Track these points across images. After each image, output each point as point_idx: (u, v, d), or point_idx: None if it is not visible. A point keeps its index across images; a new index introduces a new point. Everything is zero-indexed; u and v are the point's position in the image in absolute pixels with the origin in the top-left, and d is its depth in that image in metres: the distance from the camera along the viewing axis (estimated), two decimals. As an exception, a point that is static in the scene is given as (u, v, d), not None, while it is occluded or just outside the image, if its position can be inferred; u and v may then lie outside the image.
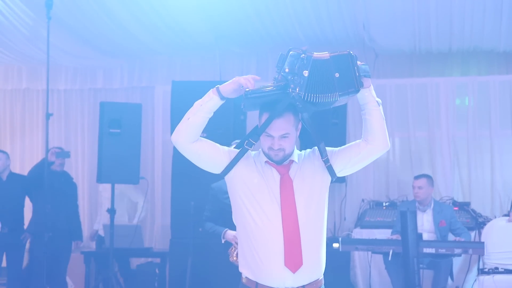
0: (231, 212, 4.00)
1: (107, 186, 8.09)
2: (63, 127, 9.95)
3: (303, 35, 8.15)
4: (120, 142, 7.24)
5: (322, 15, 7.64)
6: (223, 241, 5.43)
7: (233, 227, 4.69)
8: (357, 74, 3.19)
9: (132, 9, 7.47)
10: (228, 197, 3.45)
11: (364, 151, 3.34)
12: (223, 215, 5.22)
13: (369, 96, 3.29)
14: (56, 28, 7.33)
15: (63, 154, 7.80)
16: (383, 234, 7.56)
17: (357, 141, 3.39)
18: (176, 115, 3.35)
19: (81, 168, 9.74)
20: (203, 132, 3.34)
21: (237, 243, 4.66)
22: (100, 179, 7.37)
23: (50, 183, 7.04)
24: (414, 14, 7.55)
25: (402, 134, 9.00)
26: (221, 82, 3.33)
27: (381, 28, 8.01)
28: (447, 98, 8.80)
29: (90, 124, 9.80)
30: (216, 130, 5.83)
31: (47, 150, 7.01)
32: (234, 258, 5.13)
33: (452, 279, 7.36)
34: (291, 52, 3.17)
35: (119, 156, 7.20)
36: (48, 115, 6.83)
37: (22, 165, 9.78)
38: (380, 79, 8.92)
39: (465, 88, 8.91)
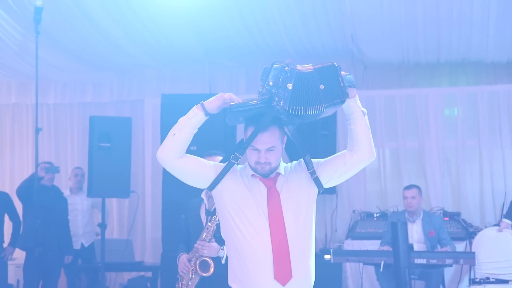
0: (201, 231, 4.07)
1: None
2: (53, 142, 9.93)
3: (292, 48, 8.18)
4: (110, 156, 7.23)
5: (311, 28, 7.68)
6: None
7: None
8: (341, 84, 3.19)
9: (121, 23, 7.48)
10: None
11: (350, 161, 3.34)
12: (196, 233, 4.90)
13: (354, 106, 3.29)
14: (45, 43, 7.33)
15: (53, 169, 7.78)
16: (375, 245, 7.56)
17: (343, 151, 3.39)
18: (166, 128, 3.34)
19: (68, 181, 9.71)
20: (192, 145, 3.34)
21: (183, 272, 4.78)
22: (91, 193, 7.35)
23: (39, 198, 7.02)
24: (402, 26, 7.59)
25: (391, 145, 9.03)
26: (210, 95, 3.35)
27: (369, 40, 8.05)
28: (436, 109, 8.84)
29: (80, 138, 9.78)
30: (205, 142, 5.85)
31: (37, 165, 6.99)
32: (183, 283, 4.82)
33: (444, 287, 7.36)
34: (274, 66, 3.17)
35: (110, 170, 7.19)
36: (37, 130, 6.81)
37: (11, 180, 9.75)
38: (369, 90, 8.97)
39: (453, 99, 8.96)
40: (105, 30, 7.62)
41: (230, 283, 3.40)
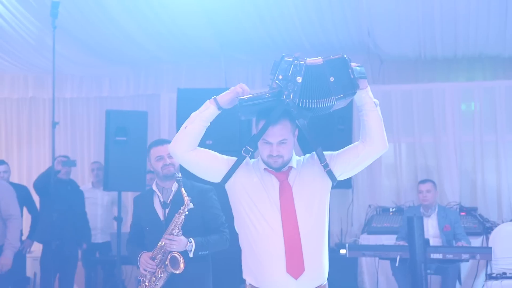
0: (158, 226, 4.04)
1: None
2: (69, 136, 9.98)
3: (308, 43, 8.16)
4: (127, 150, 7.25)
5: (327, 22, 7.65)
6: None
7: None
8: (352, 76, 3.19)
9: (137, 18, 7.50)
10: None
11: (363, 153, 3.33)
12: (153, 228, 4.50)
13: (366, 97, 3.28)
14: (61, 37, 7.36)
15: (69, 163, 7.81)
16: (390, 240, 7.54)
17: (355, 143, 3.39)
18: (182, 123, 3.35)
19: (87, 176, 9.75)
20: (208, 139, 3.35)
21: (145, 270, 4.37)
22: (107, 187, 7.38)
23: (56, 191, 7.07)
24: (419, 20, 7.55)
25: (408, 140, 8.99)
26: (226, 89, 3.35)
27: (386, 35, 8.01)
28: (452, 104, 8.79)
29: (96, 132, 9.82)
30: (221, 137, 5.85)
31: (54, 159, 7.02)
32: (146, 284, 4.42)
33: (460, 283, 7.34)
34: (284, 59, 3.18)
35: (126, 164, 7.20)
36: (54, 124, 6.85)
37: (29, 173, 9.81)
38: (386, 85, 8.93)
39: (470, 93, 8.90)
40: (121, 25, 7.64)
41: (244, 276, 3.41)
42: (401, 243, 7.08)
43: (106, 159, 7.31)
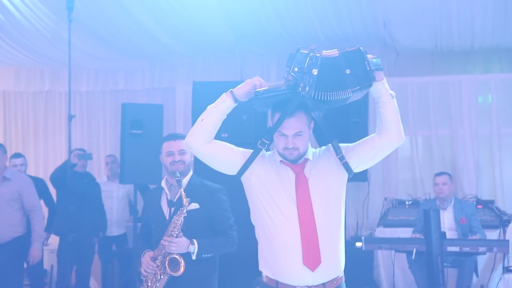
0: (163, 224, 3.98)
1: None
2: (85, 129, 10.03)
3: (323, 35, 8.14)
4: (142, 143, 7.26)
5: (342, 14, 7.62)
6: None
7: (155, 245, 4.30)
8: (368, 68, 3.17)
9: (153, 11, 7.50)
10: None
11: (379, 145, 3.32)
12: (158, 227, 4.37)
13: (382, 89, 3.27)
14: (77, 30, 7.38)
15: (86, 156, 7.85)
16: (406, 232, 7.53)
17: (372, 135, 3.38)
18: (197, 115, 3.34)
19: (103, 169, 9.79)
20: (224, 132, 3.34)
21: (146, 271, 4.25)
22: (123, 179, 7.40)
23: (73, 184, 7.10)
24: (435, 11, 7.50)
25: (424, 133, 8.95)
26: (242, 83, 3.34)
27: (402, 27, 7.97)
28: (469, 96, 8.74)
29: (112, 125, 9.86)
30: (237, 130, 5.83)
31: (70, 152, 7.06)
32: (149, 284, 4.29)
33: (477, 275, 7.31)
34: (300, 51, 3.17)
35: (141, 157, 7.22)
36: (70, 117, 6.88)
37: (45, 166, 9.87)
38: (402, 78, 8.89)
39: (487, 86, 8.84)
40: (137, 18, 7.65)
41: (260, 268, 3.42)
42: (417, 235, 7.06)
43: (122, 152, 7.33)
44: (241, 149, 3.41)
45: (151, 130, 7.31)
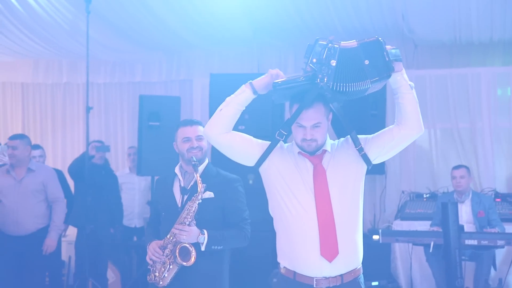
0: (174, 212, 3.87)
1: None
2: (103, 121, 10.06)
3: (341, 27, 8.10)
4: (160, 134, 7.29)
5: (360, 6, 7.58)
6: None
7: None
8: (387, 59, 3.16)
9: (170, 3, 7.50)
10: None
11: (398, 136, 3.31)
12: (168, 214, 4.18)
13: (401, 80, 3.26)
14: (95, 22, 7.40)
15: (103, 148, 7.88)
16: (424, 225, 7.50)
17: (390, 126, 3.37)
18: (215, 107, 3.34)
19: (120, 160, 9.82)
20: (241, 124, 3.34)
21: (152, 260, 4.06)
22: (140, 171, 7.43)
23: (90, 176, 7.13)
24: (454, 3, 7.45)
25: (442, 125, 8.89)
26: (259, 75, 3.36)
27: (420, 19, 7.91)
28: (488, 89, 8.67)
29: (130, 117, 9.89)
30: (254, 122, 5.82)
31: (88, 144, 7.08)
32: (156, 274, 4.09)
33: (495, 268, 7.27)
34: (318, 42, 3.16)
35: (159, 149, 7.24)
36: (88, 109, 6.91)
37: (63, 158, 9.92)
38: (420, 70, 8.83)
39: (506, 78, 8.77)
40: (154, 11, 7.65)
41: (278, 259, 3.43)
42: (435, 229, 7.03)
43: (140, 144, 7.36)
44: (259, 140, 3.42)
45: (168, 122, 7.33)
